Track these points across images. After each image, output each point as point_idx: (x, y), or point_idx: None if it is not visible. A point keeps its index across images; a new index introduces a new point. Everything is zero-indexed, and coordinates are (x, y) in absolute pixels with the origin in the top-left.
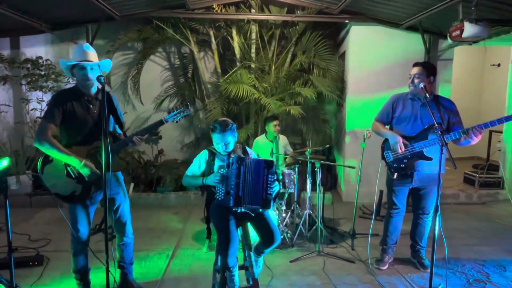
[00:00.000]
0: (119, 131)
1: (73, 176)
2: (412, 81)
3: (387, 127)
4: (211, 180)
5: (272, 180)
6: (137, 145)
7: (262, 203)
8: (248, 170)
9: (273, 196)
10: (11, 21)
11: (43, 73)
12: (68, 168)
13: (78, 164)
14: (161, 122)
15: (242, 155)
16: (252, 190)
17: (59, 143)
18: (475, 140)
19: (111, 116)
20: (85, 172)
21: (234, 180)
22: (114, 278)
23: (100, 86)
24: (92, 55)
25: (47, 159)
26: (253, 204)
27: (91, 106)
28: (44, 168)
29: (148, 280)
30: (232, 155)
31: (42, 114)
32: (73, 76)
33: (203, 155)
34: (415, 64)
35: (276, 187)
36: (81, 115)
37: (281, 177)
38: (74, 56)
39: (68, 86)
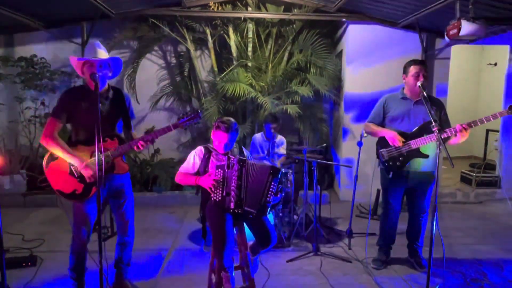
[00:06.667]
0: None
1: (76, 175)
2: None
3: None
4: (205, 182)
5: (275, 188)
6: (141, 150)
7: (258, 208)
8: (250, 173)
9: (271, 203)
10: (4, 18)
11: (37, 71)
12: (71, 167)
13: (80, 166)
14: (168, 129)
15: (239, 156)
16: (252, 193)
17: (63, 142)
18: (461, 139)
19: (120, 117)
20: (86, 173)
21: (236, 182)
22: (107, 279)
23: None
24: (102, 53)
25: (53, 155)
26: (250, 208)
27: (99, 104)
28: (49, 164)
29: (144, 280)
30: (231, 155)
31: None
32: (83, 75)
33: (198, 152)
34: (421, 62)
35: (277, 197)
36: (88, 113)
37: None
38: (85, 54)
39: (62, 84)
